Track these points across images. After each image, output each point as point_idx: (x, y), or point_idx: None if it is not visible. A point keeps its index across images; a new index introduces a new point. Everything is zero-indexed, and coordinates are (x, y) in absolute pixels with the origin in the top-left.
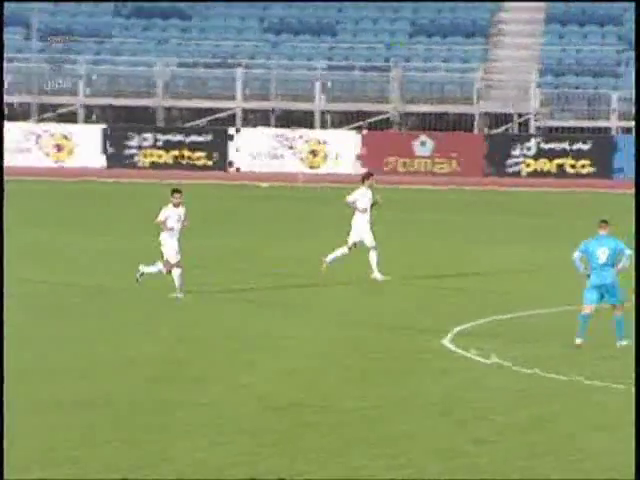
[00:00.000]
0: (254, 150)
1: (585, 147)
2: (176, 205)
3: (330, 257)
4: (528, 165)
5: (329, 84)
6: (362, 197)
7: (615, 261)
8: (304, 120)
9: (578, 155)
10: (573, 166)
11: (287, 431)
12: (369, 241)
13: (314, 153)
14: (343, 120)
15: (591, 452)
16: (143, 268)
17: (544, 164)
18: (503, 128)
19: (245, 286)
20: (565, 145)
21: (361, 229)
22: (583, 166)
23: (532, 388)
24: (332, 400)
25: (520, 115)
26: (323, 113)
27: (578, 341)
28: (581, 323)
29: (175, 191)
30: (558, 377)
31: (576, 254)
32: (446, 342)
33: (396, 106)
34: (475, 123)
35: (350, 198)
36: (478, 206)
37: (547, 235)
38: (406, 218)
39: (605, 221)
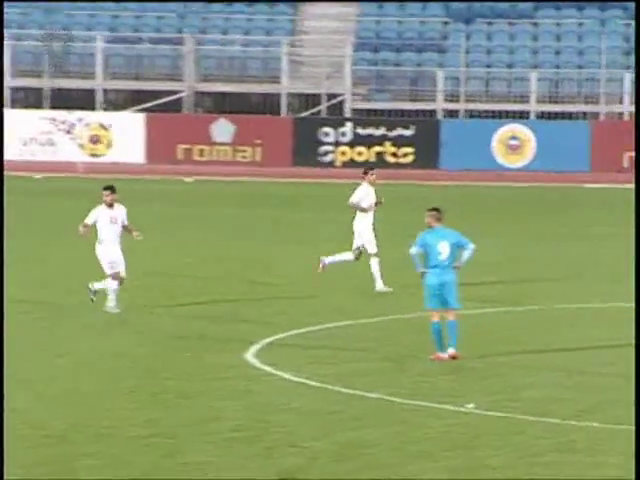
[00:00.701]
0: (25, 135)
1: (407, 133)
2: (109, 205)
3: (330, 259)
4: (343, 153)
5: (112, 59)
6: (366, 196)
7: (455, 257)
8: (83, 101)
9: (399, 142)
10: (394, 154)
11: (63, 463)
12: (370, 247)
13: (95, 139)
14: (128, 101)
15: None
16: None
17: (361, 152)
18: (313, 111)
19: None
20: (384, 130)
21: (363, 231)
22: (405, 154)
23: (347, 410)
24: (116, 427)
25: (333, 96)
26: (105, 92)
27: (445, 355)
28: (436, 334)
29: (106, 188)
30: (375, 396)
31: (413, 250)
32: (249, 357)
33: (190, 85)
34: (282, 105)
35: (354, 199)
36: (285, 200)
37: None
38: (200, 214)
39: (437, 209)
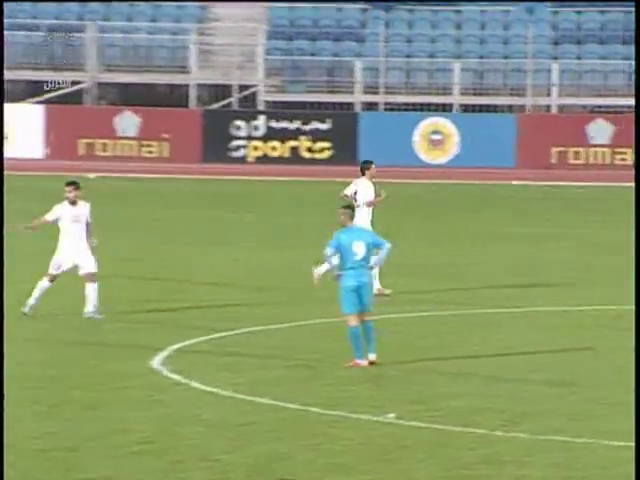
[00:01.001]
0: None
1: (323, 126)
2: (72, 202)
3: (322, 268)
4: (255, 148)
5: (8, 47)
6: (364, 190)
7: (370, 258)
8: None
9: (315, 136)
10: (310, 149)
11: None
12: None
13: None
14: (24, 91)
15: None
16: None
17: (274, 147)
18: (224, 103)
19: None
20: (299, 124)
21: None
22: (321, 149)
23: (260, 421)
24: (12, 442)
25: (245, 87)
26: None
27: (364, 362)
28: (354, 339)
29: (69, 184)
30: (290, 407)
31: (329, 250)
32: (157, 365)
33: (92, 75)
34: (190, 97)
35: (348, 191)
36: (193, 199)
37: (277, 235)
38: (104, 213)
39: (351, 207)
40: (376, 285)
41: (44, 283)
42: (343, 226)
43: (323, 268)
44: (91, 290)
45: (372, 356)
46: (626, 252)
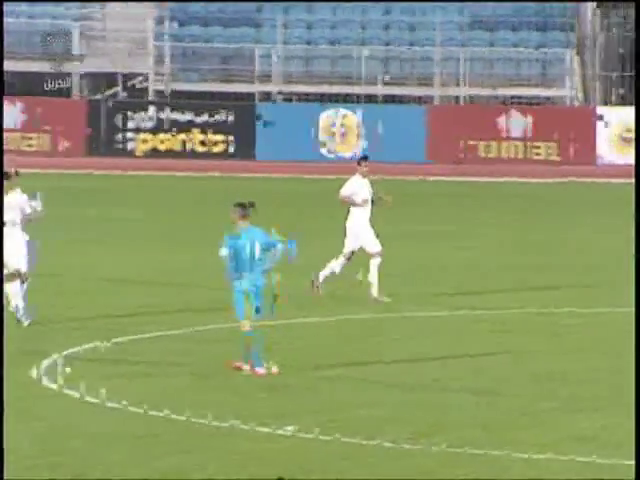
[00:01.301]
0: None
1: (220, 119)
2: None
3: (323, 273)
4: (145, 141)
5: None
6: (360, 189)
7: (264, 259)
8: None
9: (209, 129)
10: (203, 143)
11: None
12: (371, 246)
13: None
14: None
15: None
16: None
17: (166, 140)
18: (111, 92)
19: None
20: (192, 116)
21: (360, 230)
22: (216, 143)
23: (151, 434)
24: None
25: (133, 76)
26: None
27: (262, 370)
28: (250, 345)
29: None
30: (182, 418)
31: (224, 251)
32: (40, 373)
33: None
34: (74, 86)
35: (345, 191)
36: (77, 195)
37: (167, 234)
38: None
39: (243, 205)
40: (374, 292)
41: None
42: (236, 225)
43: (324, 273)
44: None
45: (274, 368)
46: (535, 252)
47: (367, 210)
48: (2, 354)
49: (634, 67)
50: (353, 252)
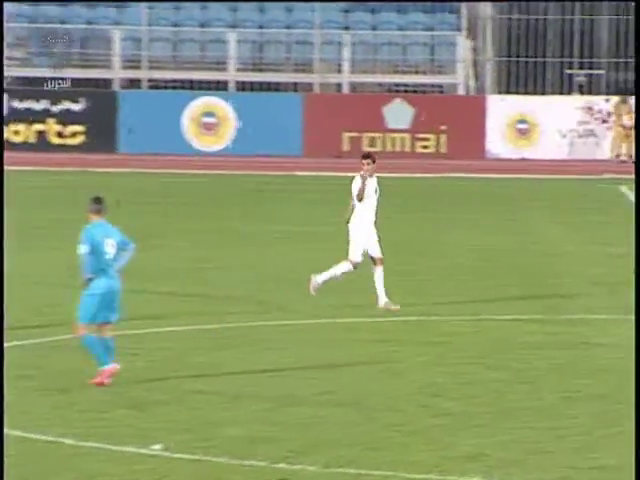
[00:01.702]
0: None
1: (76, 107)
2: None
3: (323, 277)
4: None
5: None
6: (368, 186)
7: (119, 258)
8: None
9: (66, 118)
10: (59, 134)
11: None
12: (375, 250)
13: None
14: None
15: None
16: None
17: (18, 131)
18: None
19: None
20: (47, 104)
21: (365, 232)
22: (74, 134)
23: (9, 455)
24: None
25: None
26: None
27: (114, 367)
28: (96, 348)
29: None
30: (40, 438)
31: (83, 248)
32: None
33: None
34: None
35: (356, 191)
36: None
37: (21, 234)
38: None
39: (98, 199)
40: (383, 299)
41: None
42: (91, 221)
43: (322, 277)
44: None
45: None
46: (405, 253)
47: (372, 211)
48: (2, 354)
49: (634, 67)
50: (361, 254)
